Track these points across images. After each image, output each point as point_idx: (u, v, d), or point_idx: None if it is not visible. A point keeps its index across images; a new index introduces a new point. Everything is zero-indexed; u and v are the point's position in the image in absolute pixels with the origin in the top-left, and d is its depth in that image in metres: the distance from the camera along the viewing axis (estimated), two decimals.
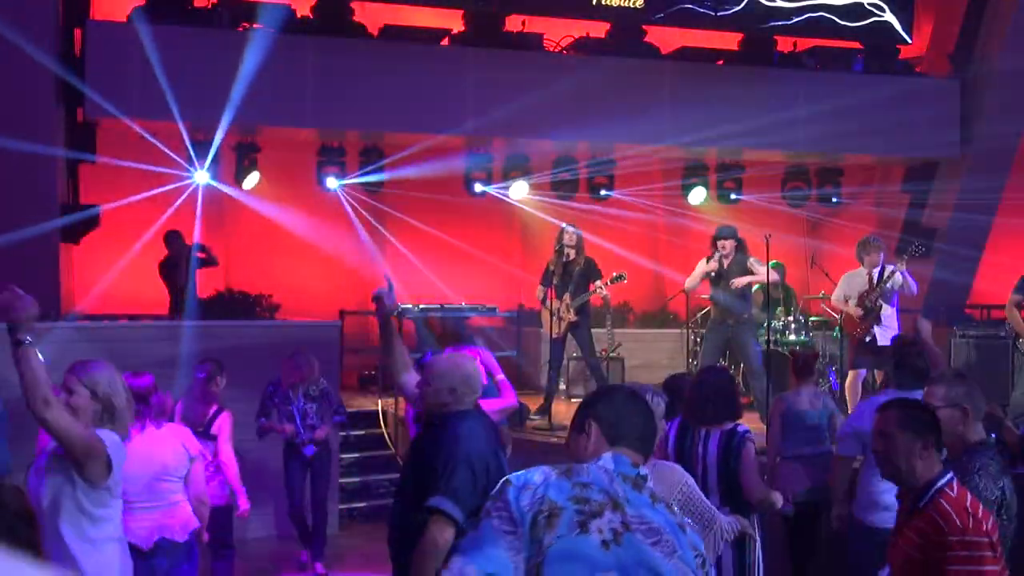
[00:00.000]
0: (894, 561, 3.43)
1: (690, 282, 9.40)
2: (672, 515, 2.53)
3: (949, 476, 3.36)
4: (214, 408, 6.69)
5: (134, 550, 4.86)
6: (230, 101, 9.23)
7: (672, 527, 2.49)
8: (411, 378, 4.61)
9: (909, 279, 8.85)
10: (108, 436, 3.72)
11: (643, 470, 2.57)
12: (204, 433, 6.56)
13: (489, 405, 5.03)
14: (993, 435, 4.57)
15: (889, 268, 8.85)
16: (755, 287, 9.43)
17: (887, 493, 5.20)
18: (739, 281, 9.03)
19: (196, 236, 10.37)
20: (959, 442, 3.83)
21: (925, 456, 3.37)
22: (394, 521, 4.05)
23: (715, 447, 4.91)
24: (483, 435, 3.94)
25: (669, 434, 5.02)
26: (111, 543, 3.79)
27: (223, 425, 6.66)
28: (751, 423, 8.37)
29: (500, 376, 6.27)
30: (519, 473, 2.53)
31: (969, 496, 3.32)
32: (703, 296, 10.52)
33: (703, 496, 4.10)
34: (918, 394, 5.18)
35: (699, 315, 11.08)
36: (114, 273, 10.14)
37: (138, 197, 9.83)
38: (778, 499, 4.97)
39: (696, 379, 5.28)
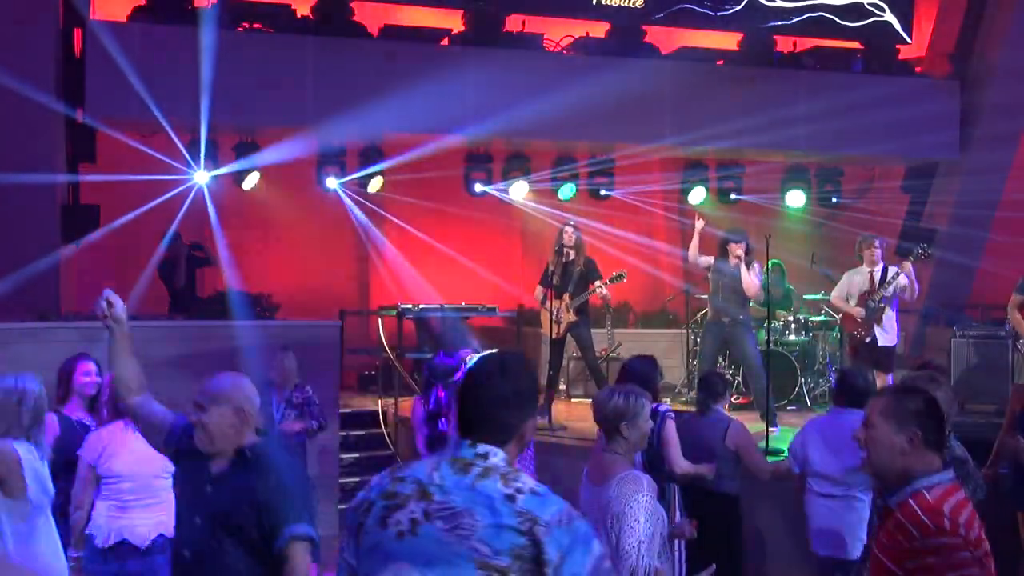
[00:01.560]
0: (873, 572, 3.02)
1: (692, 253, 9.27)
2: (502, 487, 2.39)
3: (936, 479, 2.87)
4: None
5: (131, 549, 4.92)
6: (229, 101, 9.23)
7: (487, 503, 2.38)
8: (146, 403, 3.88)
9: (913, 282, 8.74)
10: (25, 449, 3.86)
11: (482, 448, 2.46)
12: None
13: None
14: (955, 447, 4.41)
15: (893, 270, 8.79)
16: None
17: (828, 520, 5.29)
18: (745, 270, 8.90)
19: (217, 235, 10.30)
20: None
21: (909, 452, 2.88)
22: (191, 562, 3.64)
23: None
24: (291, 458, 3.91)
25: None
26: (47, 559, 3.94)
27: None
28: (750, 423, 8.38)
29: None
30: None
31: (953, 500, 2.82)
32: (701, 296, 10.50)
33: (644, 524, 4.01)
34: (858, 415, 5.24)
35: (699, 315, 11.08)
36: (116, 275, 10.12)
37: (142, 209, 9.79)
38: (708, 471, 5.32)
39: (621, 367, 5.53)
